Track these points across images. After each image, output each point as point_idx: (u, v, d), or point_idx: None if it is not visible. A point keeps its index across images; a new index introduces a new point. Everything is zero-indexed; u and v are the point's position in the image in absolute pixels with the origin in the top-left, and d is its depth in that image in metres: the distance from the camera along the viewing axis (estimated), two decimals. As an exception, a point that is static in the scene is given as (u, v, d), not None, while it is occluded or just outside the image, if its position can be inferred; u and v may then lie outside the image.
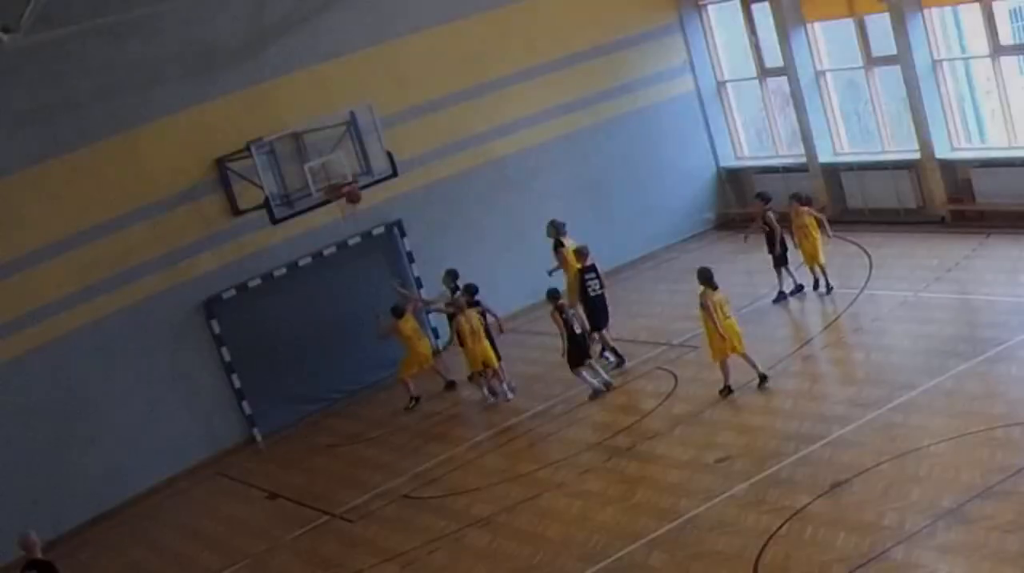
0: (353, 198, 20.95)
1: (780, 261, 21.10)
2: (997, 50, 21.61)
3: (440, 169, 23.54)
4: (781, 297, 21.07)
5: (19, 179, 19.91)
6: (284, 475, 20.02)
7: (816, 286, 20.90)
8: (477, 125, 23.89)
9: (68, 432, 20.15)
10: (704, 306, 17.59)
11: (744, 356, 17.63)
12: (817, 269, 20.88)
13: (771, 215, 21.06)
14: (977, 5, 21.45)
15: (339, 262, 22.47)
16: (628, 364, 20.03)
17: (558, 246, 21.36)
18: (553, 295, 19.45)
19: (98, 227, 20.53)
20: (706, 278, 17.76)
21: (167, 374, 21.08)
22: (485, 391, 20.25)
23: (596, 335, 20.16)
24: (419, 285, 22.91)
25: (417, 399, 21.01)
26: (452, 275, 21.22)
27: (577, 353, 19.10)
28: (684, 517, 14.43)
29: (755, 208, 21.75)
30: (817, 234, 20.57)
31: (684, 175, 26.12)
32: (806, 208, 20.71)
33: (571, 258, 20.90)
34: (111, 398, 20.56)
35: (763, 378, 17.56)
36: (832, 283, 20.66)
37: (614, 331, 21.45)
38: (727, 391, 17.64)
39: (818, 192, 24.80)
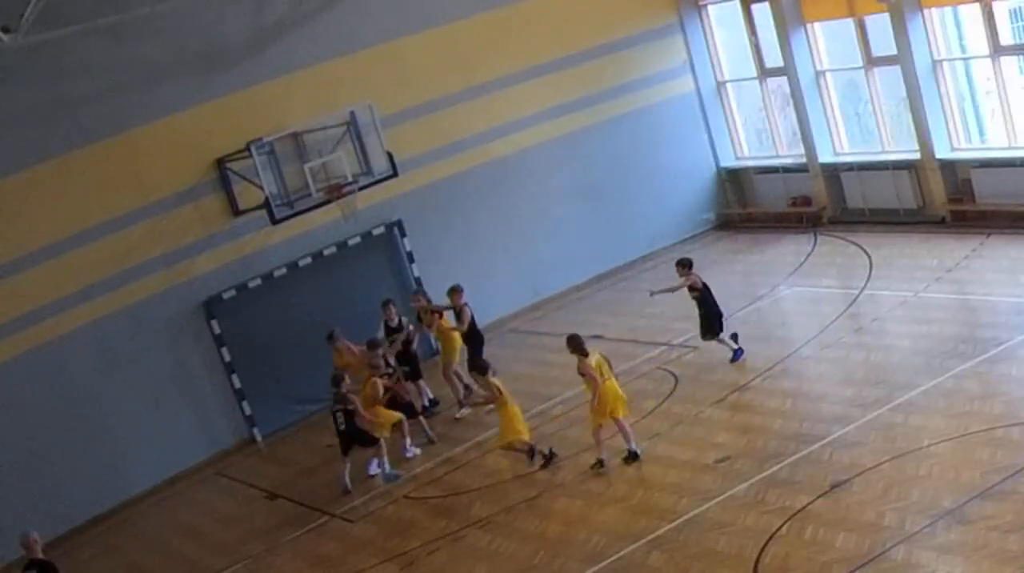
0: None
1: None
2: (997, 50, 21.61)
3: (440, 169, 23.54)
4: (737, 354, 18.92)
5: (19, 179, 19.92)
6: (284, 475, 20.01)
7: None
8: (477, 125, 23.89)
9: (68, 432, 20.15)
10: (583, 373, 16.45)
11: (619, 422, 16.46)
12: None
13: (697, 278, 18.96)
14: (977, 5, 21.45)
15: (339, 262, 22.47)
16: (631, 364, 20.01)
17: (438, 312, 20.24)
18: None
19: (98, 227, 20.55)
20: (576, 345, 16.58)
21: (167, 374, 21.09)
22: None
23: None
24: (419, 285, 22.91)
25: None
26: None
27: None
28: (684, 517, 14.42)
29: (685, 279, 18.94)
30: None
31: (684, 175, 26.12)
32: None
33: (447, 323, 20.34)
34: (111, 398, 20.58)
35: (633, 455, 16.32)
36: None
37: (615, 331, 21.54)
38: (599, 465, 16.43)
39: (818, 192, 24.85)
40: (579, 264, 24.73)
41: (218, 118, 21.40)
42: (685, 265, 19.06)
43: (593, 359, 16.51)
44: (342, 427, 18.20)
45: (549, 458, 16.98)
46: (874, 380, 16.84)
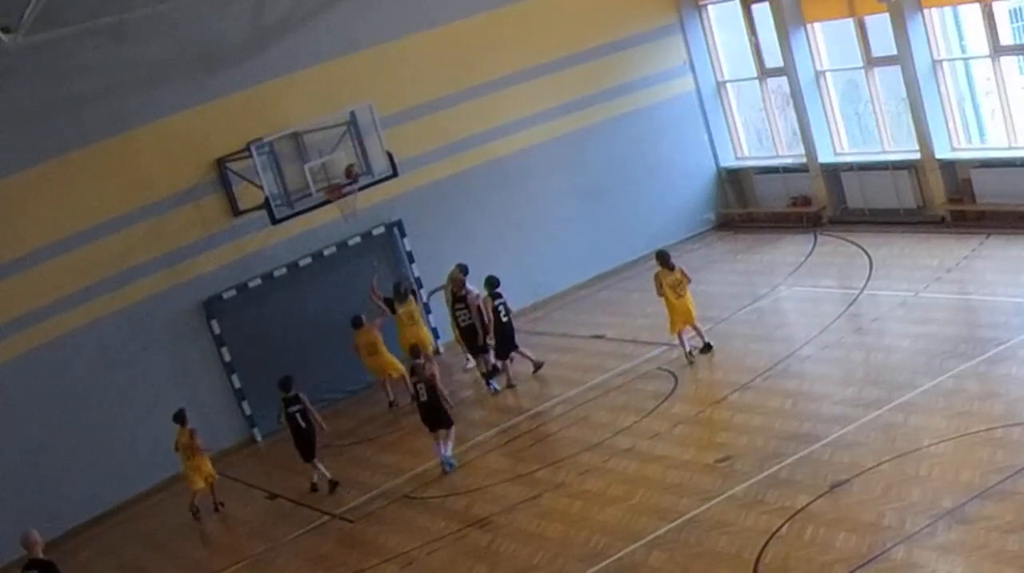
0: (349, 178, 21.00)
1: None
2: (997, 50, 21.61)
3: (440, 169, 23.54)
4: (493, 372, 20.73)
5: (19, 179, 19.92)
6: (284, 475, 20.01)
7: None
8: (477, 125, 23.88)
9: (68, 432, 20.15)
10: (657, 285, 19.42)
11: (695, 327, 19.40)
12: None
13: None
14: (977, 5, 21.45)
15: (339, 262, 22.47)
16: (631, 363, 20.03)
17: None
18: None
19: (98, 227, 20.55)
20: (661, 259, 19.42)
21: (167, 374, 21.09)
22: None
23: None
24: (419, 285, 22.90)
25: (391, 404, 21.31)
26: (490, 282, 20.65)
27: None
28: (684, 517, 14.42)
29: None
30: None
31: (684, 175, 26.12)
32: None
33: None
34: (111, 398, 20.57)
35: (708, 346, 19.39)
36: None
37: (615, 331, 21.56)
38: (707, 348, 19.34)
39: (818, 192, 24.85)
40: (579, 264, 24.74)
41: (218, 118, 21.40)
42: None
43: (668, 278, 19.24)
44: (423, 398, 18.06)
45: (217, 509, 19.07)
46: (874, 380, 16.84)
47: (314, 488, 18.76)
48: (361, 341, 21.24)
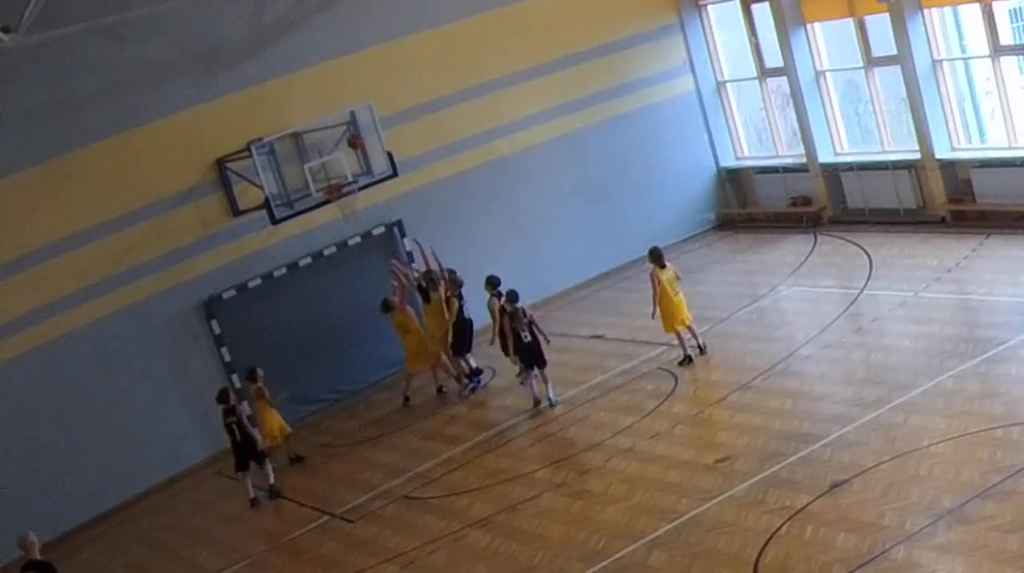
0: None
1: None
2: (997, 50, 21.61)
3: (440, 169, 23.54)
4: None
5: (19, 179, 19.92)
6: (284, 475, 20.01)
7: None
8: (477, 125, 23.88)
9: (68, 432, 20.15)
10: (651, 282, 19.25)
11: (689, 328, 19.30)
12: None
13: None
14: (977, 5, 21.45)
15: (339, 262, 22.47)
16: (631, 363, 20.03)
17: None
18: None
19: (98, 227, 20.55)
20: (655, 256, 19.29)
21: (167, 374, 21.09)
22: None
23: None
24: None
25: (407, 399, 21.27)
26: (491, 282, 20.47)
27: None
28: (684, 517, 14.43)
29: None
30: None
31: (684, 175, 26.12)
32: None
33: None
34: (111, 398, 20.57)
35: (702, 349, 19.27)
36: None
37: (615, 331, 21.54)
38: (687, 361, 19.14)
39: (818, 192, 24.85)
40: (580, 264, 24.74)
41: (218, 118, 21.40)
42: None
43: (664, 274, 19.14)
44: (527, 339, 19.02)
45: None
46: (874, 380, 16.84)
47: (254, 503, 18.99)
48: (393, 322, 21.15)
